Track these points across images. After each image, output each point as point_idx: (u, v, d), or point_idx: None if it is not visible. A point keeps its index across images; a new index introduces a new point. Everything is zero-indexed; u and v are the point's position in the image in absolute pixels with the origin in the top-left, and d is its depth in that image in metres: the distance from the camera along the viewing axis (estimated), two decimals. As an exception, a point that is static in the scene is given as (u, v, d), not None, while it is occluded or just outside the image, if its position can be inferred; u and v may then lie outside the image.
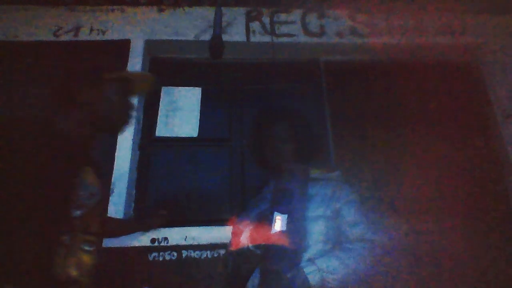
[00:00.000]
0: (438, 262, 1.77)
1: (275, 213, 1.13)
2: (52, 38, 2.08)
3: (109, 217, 1.60)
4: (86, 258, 0.86)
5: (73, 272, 0.81)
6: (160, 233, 1.66)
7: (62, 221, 0.82)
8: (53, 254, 0.78)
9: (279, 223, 1.10)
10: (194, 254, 1.64)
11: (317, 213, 1.15)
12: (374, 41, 2.24)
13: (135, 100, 1.12)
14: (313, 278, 1.01)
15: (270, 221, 1.12)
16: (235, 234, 1.30)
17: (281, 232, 1.10)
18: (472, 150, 2.12)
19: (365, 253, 1.11)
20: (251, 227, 1.21)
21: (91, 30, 2.12)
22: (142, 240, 1.63)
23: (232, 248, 1.25)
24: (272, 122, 1.37)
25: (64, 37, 2.09)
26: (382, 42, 2.24)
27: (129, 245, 1.60)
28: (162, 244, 1.65)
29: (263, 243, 1.12)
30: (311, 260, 1.06)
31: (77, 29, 2.11)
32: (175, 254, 1.64)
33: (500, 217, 1.95)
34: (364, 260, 1.11)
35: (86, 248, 0.87)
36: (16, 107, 1.88)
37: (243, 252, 1.17)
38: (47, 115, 1.00)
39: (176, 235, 1.67)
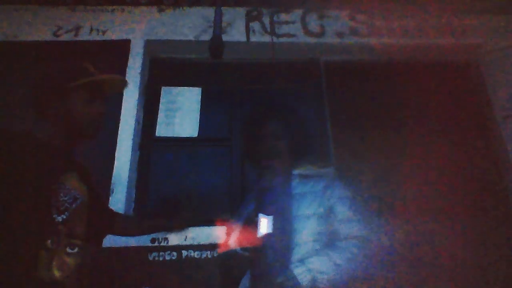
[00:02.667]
0: (438, 262, 1.77)
1: (260, 214, 1.10)
2: (52, 38, 2.08)
3: (123, 215, 1.59)
4: (69, 260, 0.89)
5: (56, 274, 0.84)
6: (161, 233, 1.66)
7: (45, 227, 0.85)
8: (37, 258, 0.81)
9: (264, 225, 1.08)
10: (194, 254, 1.64)
11: (309, 211, 1.13)
12: (374, 41, 2.24)
13: (106, 104, 1.08)
14: (304, 279, 1.00)
15: (256, 223, 1.09)
16: (224, 236, 1.27)
17: (268, 234, 1.07)
18: (472, 150, 2.12)
19: (357, 250, 1.09)
20: (238, 229, 1.18)
21: (91, 30, 2.12)
22: (142, 240, 1.63)
23: (221, 251, 1.23)
24: (266, 120, 1.35)
25: (64, 37, 2.09)
26: (382, 42, 2.24)
27: (129, 245, 1.60)
28: (162, 244, 1.65)
29: (251, 246, 1.09)
30: (301, 261, 1.05)
31: (77, 29, 2.11)
32: (175, 254, 1.64)
33: (500, 217, 1.95)
34: (356, 258, 1.08)
35: (69, 250, 0.89)
36: (16, 107, 1.88)
37: (232, 255, 1.14)
38: (26, 124, 1.01)
39: (176, 235, 1.67)
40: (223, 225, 1.38)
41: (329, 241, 1.12)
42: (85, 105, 0.99)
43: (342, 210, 1.16)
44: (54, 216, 0.86)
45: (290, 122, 1.36)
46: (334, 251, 1.08)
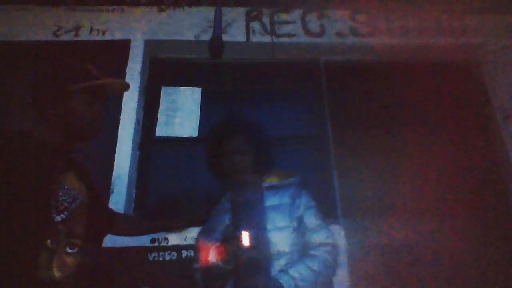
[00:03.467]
0: (438, 262, 1.77)
1: (241, 228, 1.13)
2: (52, 38, 2.08)
3: (123, 214, 1.60)
4: (69, 259, 0.89)
5: (56, 274, 0.84)
6: (161, 233, 1.66)
7: (45, 226, 0.85)
8: (37, 258, 0.81)
9: (246, 238, 1.10)
10: (194, 254, 1.63)
11: (284, 223, 1.20)
12: (374, 41, 2.24)
13: (107, 105, 1.09)
14: (289, 287, 1.06)
15: (236, 237, 1.11)
16: (202, 250, 1.27)
17: (250, 246, 1.10)
18: (472, 150, 2.12)
19: (328, 256, 1.17)
20: (217, 243, 1.19)
21: (91, 30, 2.12)
22: (142, 240, 1.62)
23: (201, 266, 1.23)
24: (229, 135, 1.38)
25: (64, 37, 2.09)
26: (382, 42, 2.24)
27: (129, 245, 1.60)
28: (162, 244, 1.65)
29: (233, 259, 1.11)
30: (283, 271, 1.11)
31: (77, 29, 2.11)
32: (175, 254, 1.64)
33: (500, 217, 1.95)
34: (329, 263, 1.17)
35: (69, 250, 0.89)
36: (16, 107, 1.88)
37: (213, 269, 1.15)
38: (26, 124, 1.01)
39: (176, 235, 1.67)
40: (197, 240, 1.38)
41: (303, 250, 1.19)
42: (86, 107, 1.00)
43: (311, 219, 1.24)
44: (53, 216, 0.86)
45: (253, 136, 1.39)
46: (311, 259, 1.15)
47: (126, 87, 1.16)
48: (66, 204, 0.90)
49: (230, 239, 1.14)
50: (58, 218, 0.87)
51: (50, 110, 0.97)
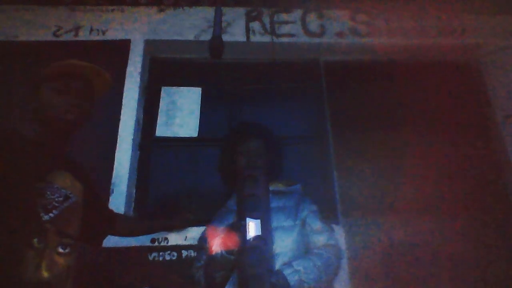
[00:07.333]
0: (438, 262, 1.77)
1: (248, 218, 1.14)
2: (52, 38, 2.08)
3: (124, 215, 1.61)
4: (60, 260, 0.87)
5: (45, 274, 0.82)
6: (161, 233, 1.65)
7: (31, 225, 0.83)
8: (22, 257, 0.79)
9: (253, 228, 1.11)
10: (194, 254, 1.63)
11: (288, 223, 1.26)
12: (374, 41, 2.24)
13: (83, 95, 1.03)
14: (292, 279, 1.08)
15: (243, 228, 1.12)
16: (210, 236, 1.30)
17: (257, 236, 1.11)
18: (472, 150, 2.12)
19: (332, 256, 1.22)
20: (222, 233, 1.21)
21: (91, 30, 2.12)
22: (142, 240, 1.62)
23: (206, 254, 1.25)
24: (248, 137, 1.48)
25: (64, 37, 2.09)
26: (382, 42, 2.24)
27: (129, 245, 1.60)
28: (162, 244, 1.65)
29: (237, 249, 1.12)
30: (287, 264, 1.14)
31: (77, 29, 2.11)
32: (175, 254, 1.64)
33: (500, 217, 1.94)
34: (332, 263, 1.21)
35: (60, 250, 0.88)
36: (16, 107, 1.88)
37: (216, 259, 1.16)
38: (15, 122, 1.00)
39: (176, 235, 1.67)
40: (206, 233, 1.39)
41: (307, 249, 1.25)
42: (53, 94, 0.96)
43: (315, 222, 1.31)
44: (41, 214, 0.84)
45: (270, 141, 1.52)
46: (314, 256, 1.19)
47: (97, 71, 1.07)
48: (55, 203, 0.88)
49: (234, 227, 1.16)
50: (46, 217, 0.85)
51: (28, 104, 0.96)
